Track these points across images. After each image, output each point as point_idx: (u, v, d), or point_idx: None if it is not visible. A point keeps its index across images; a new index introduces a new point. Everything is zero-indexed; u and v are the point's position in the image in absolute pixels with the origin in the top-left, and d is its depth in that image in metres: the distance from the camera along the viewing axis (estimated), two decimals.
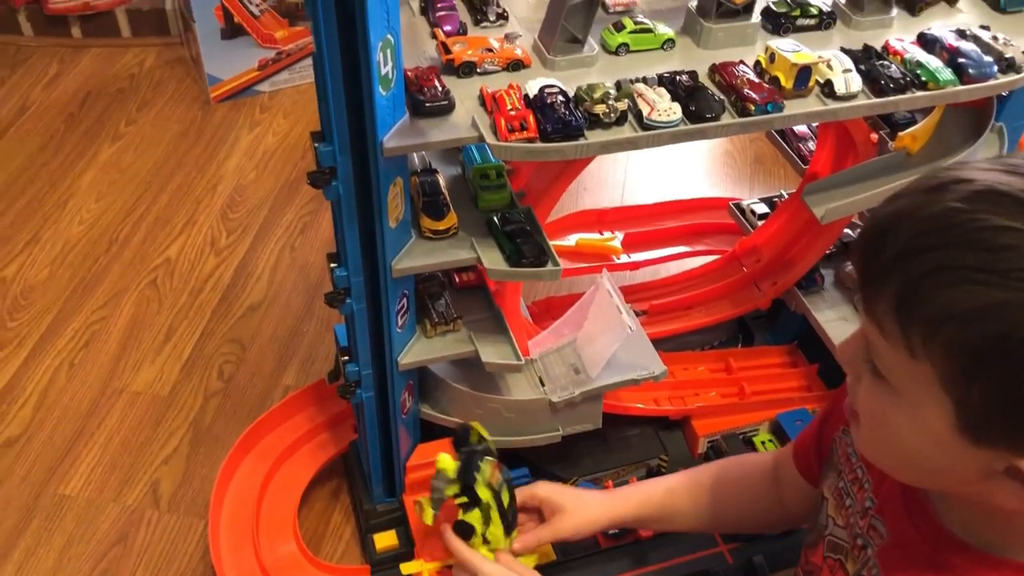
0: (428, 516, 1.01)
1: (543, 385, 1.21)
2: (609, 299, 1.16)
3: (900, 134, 1.18)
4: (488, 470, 0.99)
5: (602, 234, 1.58)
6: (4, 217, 1.82)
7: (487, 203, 1.08)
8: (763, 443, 1.42)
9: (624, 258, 1.54)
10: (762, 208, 1.53)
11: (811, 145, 1.42)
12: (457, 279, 1.19)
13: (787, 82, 0.98)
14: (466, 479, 0.98)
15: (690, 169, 2.03)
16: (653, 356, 1.18)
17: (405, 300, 1.08)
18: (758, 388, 1.44)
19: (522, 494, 1.03)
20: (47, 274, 1.71)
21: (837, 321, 1.40)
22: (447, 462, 1.01)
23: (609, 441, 1.37)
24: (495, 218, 1.05)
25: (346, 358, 1.13)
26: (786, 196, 1.54)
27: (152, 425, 1.48)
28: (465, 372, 1.21)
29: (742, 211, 1.54)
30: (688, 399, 1.42)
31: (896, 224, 0.60)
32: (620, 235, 1.56)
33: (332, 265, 1.03)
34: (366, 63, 0.82)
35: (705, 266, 1.53)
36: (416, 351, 1.12)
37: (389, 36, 0.84)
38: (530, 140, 0.91)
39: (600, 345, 1.17)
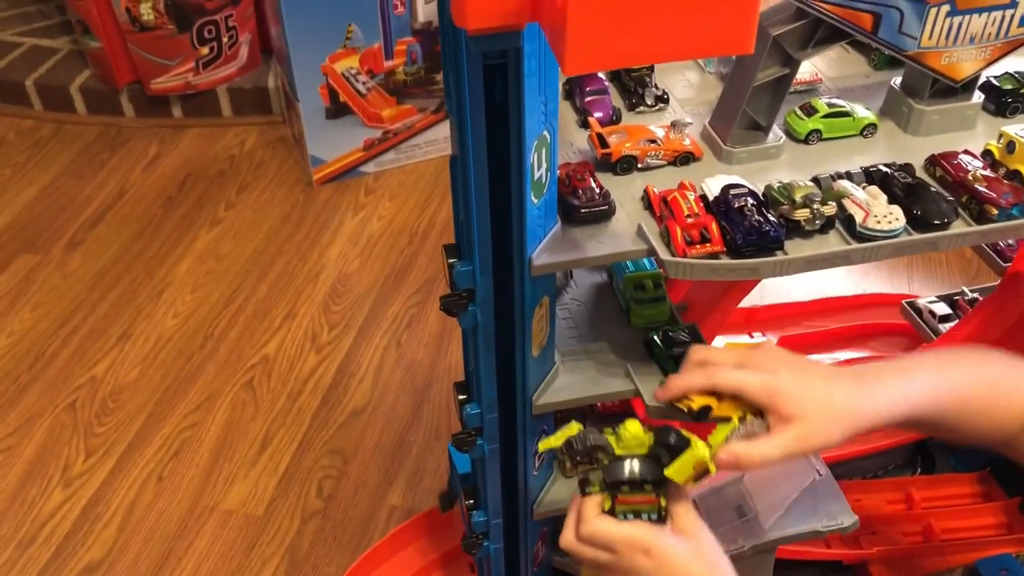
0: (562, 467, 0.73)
1: None
2: None
3: None
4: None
5: (752, 337, 1.38)
6: (98, 308, 1.72)
7: (642, 319, 0.90)
8: None
9: None
10: (942, 308, 1.31)
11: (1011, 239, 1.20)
12: (599, 404, 1.01)
13: None
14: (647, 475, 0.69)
15: None
16: (842, 503, 0.97)
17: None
18: (948, 526, 1.21)
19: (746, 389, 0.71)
20: (138, 373, 1.59)
21: None
22: (637, 430, 0.71)
23: None
24: (656, 337, 0.86)
25: (471, 502, 0.95)
26: (968, 294, 1.32)
27: (245, 550, 1.33)
28: None
29: (918, 311, 1.33)
30: (864, 540, 1.20)
31: None
32: (774, 338, 1.36)
33: (461, 397, 0.86)
34: (517, 167, 0.66)
35: None
36: (554, 495, 0.94)
37: (546, 133, 0.67)
38: (714, 255, 0.73)
39: (777, 489, 0.97)
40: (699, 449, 0.67)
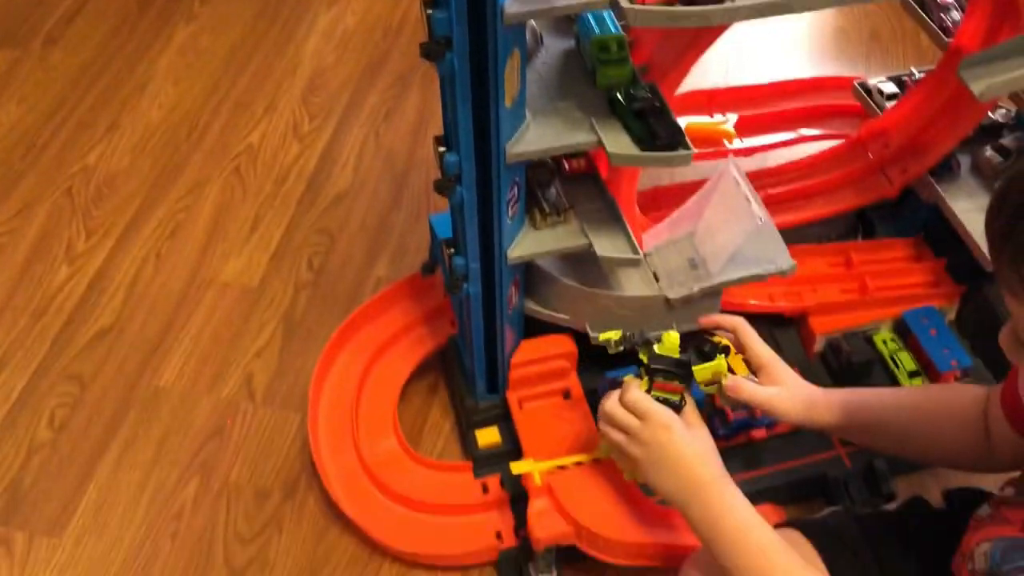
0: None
1: (658, 280, 1.13)
2: (736, 188, 1.06)
3: None
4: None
5: (713, 117, 1.46)
6: (83, 101, 1.77)
7: (607, 79, 0.98)
8: (884, 342, 1.33)
9: (738, 143, 1.43)
10: (890, 87, 1.40)
11: (955, 15, 1.27)
12: (567, 165, 1.10)
13: None
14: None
15: (799, 47, 1.88)
16: (781, 249, 1.09)
17: (516, 189, 0.99)
18: (881, 283, 1.34)
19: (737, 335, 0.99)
20: (128, 162, 1.66)
21: (975, 212, 1.29)
22: (675, 340, 0.94)
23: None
24: (619, 95, 0.95)
25: (452, 250, 1.06)
26: (917, 75, 1.41)
27: (242, 317, 1.44)
28: (572, 265, 1.14)
29: (868, 91, 1.41)
30: (805, 295, 1.33)
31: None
32: (733, 118, 1.45)
33: (441, 149, 0.95)
34: None
35: (826, 152, 1.42)
36: (526, 244, 1.04)
37: None
38: (670, 2, 0.81)
39: (723, 238, 1.08)
40: (720, 361, 0.93)
